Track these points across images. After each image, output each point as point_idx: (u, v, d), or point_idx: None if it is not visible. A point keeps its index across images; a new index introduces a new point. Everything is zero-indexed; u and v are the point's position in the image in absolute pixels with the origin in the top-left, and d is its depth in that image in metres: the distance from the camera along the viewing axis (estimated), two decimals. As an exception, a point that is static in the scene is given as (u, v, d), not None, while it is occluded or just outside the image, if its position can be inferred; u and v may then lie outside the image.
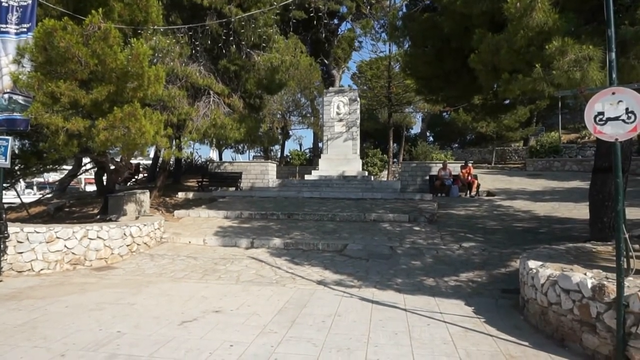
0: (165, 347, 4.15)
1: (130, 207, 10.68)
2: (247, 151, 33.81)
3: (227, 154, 34.01)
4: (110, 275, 7.43)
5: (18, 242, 7.44)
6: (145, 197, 11.16)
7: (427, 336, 4.55)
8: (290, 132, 30.29)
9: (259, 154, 31.79)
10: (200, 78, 12.50)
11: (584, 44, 4.56)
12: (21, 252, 7.43)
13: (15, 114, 7.41)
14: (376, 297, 6.03)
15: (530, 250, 6.62)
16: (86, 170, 20.38)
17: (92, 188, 33.94)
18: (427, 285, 6.71)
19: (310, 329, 4.73)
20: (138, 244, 8.90)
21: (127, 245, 8.64)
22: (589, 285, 4.05)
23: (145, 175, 23.47)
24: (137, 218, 10.42)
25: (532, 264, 5.11)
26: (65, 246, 7.76)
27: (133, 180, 22.40)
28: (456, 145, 37.85)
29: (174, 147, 10.02)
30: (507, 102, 12.81)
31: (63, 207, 14.27)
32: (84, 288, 6.52)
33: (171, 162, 24.05)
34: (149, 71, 7.55)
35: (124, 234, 8.56)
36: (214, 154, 32.65)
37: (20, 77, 6.93)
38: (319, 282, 6.86)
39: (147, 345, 4.17)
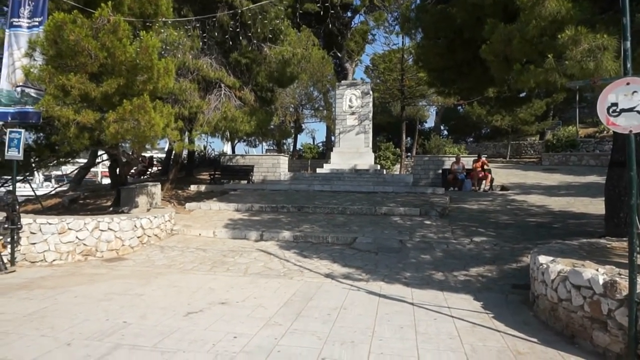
0: (170, 337, 4.17)
1: (142, 200, 10.77)
2: (261, 144, 33.96)
3: (240, 148, 34.17)
4: (120, 266, 7.50)
5: (31, 233, 7.56)
6: (156, 189, 11.24)
7: (433, 330, 4.49)
8: (303, 126, 30.28)
9: (271, 148, 31.85)
10: (211, 71, 12.53)
11: (598, 33, 4.41)
12: (34, 243, 7.55)
13: (27, 106, 7.49)
14: (384, 291, 5.98)
15: (543, 245, 6.50)
16: (100, 162, 20.64)
17: (108, 181, 34.41)
18: (436, 280, 6.63)
19: (316, 321, 4.70)
20: (149, 236, 8.98)
21: (138, 237, 8.71)
22: (601, 282, 3.94)
23: (159, 168, 23.70)
24: (148, 210, 10.50)
25: (543, 259, 5.00)
26: (76, 237, 7.86)
27: (147, 173, 22.62)
28: (471, 139, 37.39)
29: (185, 140, 10.04)
30: (522, 94, 12.59)
31: (77, 199, 14.49)
32: (94, 279, 6.60)
33: (184, 155, 24.28)
34: (158, 64, 7.57)
35: (135, 225, 8.64)
36: (227, 148, 32.85)
37: (31, 70, 7.00)
38: (327, 275, 6.83)
39: (151, 336, 4.19)
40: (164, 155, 25.64)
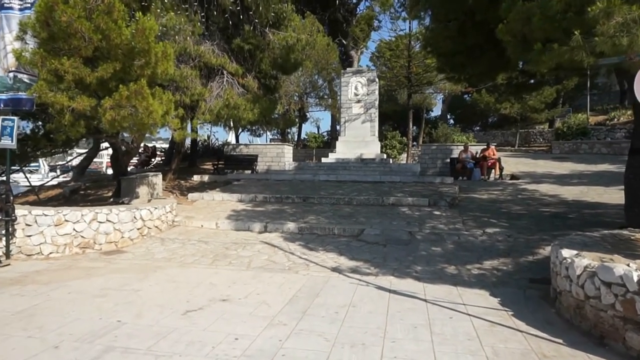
0: (166, 339, 3.87)
1: (142, 190, 10.48)
2: (265, 134, 33.56)
3: (245, 137, 33.85)
4: (118, 260, 7.22)
5: (27, 225, 7.28)
6: (157, 179, 10.94)
7: (450, 330, 4.16)
8: (308, 115, 29.85)
9: (276, 137, 31.48)
10: (213, 57, 12.14)
11: (634, 5, 4.00)
12: (30, 236, 7.27)
13: (20, 93, 7.17)
14: (394, 286, 5.66)
15: (560, 237, 6.15)
16: (105, 152, 20.33)
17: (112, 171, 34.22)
18: (449, 274, 6.30)
19: (322, 321, 4.39)
20: (149, 228, 8.69)
21: (138, 229, 8.42)
22: (635, 278, 3.59)
23: (163, 158, 23.40)
24: (149, 201, 10.21)
25: (567, 252, 4.65)
26: (74, 229, 7.57)
27: (151, 163, 22.34)
28: (478, 128, 36.81)
29: (187, 129, 9.70)
30: (532, 81, 12.14)
31: (78, 190, 14.23)
32: (91, 273, 6.32)
33: (187, 144, 23.98)
34: (155, 47, 7.21)
35: (134, 217, 8.35)
36: (232, 137, 32.50)
37: (23, 54, 6.67)
38: (334, 269, 6.51)
39: (146, 337, 3.89)
40: (167, 145, 25.32)
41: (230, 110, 11.21)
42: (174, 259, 7.21)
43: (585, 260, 4.26)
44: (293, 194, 11.93)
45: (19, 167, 12.00)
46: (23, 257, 7.19)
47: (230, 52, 13.15)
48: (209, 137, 29.29)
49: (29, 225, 7.28)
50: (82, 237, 7.66)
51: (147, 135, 10.16)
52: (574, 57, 4.56)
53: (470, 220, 9.25)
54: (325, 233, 8.74)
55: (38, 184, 22.05)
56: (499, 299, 5.21)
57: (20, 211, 7.26)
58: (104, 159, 56.67)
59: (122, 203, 10.19)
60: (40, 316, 4.46)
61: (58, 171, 45.27)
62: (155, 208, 8.87)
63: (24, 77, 7.18)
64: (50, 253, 7.36)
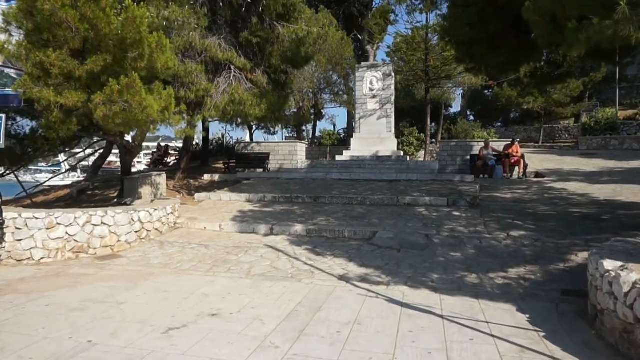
0: (136, 366, 3.33)
1: (145, 190, 10.05)
2: (281, 131, 33.06)
3: (260, 136, 33.45)
4: (112, 265, 6.76)
5: (17, 228, 6.87)
6: (161, 179, 10.50)
7: (470, 357, 3.52)
8: (323, 112, 29.23)
9: (291, 135, 30.97)
10: (220, 52, 11.62)
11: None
12: (20, 240, 6.86)
13: (7, 89, 6.76)
14: (407, 298, 5.03)
15: (595, 242, 5.44)
16: (111, 151, 20.06)
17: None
18: (469, 283, 5.63)
19: (322, 342, 3.80)
20: (148, 230, 8.22)
21: (136, 232, 7.96)
22: (703, 301, 2.90)
23: (177, 158, 23.10)
24: (152, 201, 9.77)
25: (610, 264, 3.95)
26: (66, 233, 7.14)
27: (164, 162, 22.06)
28: (499, 124, 35.61)
29: (188, 126, 9.22)
30: (558, 72, 11.28)
31: (86, 190, 13.93)
32: (78, 281, 5.85)
33: (198, 142, 23.61)
34: (149, 38, 6.70)
35: (132, 219, 7.88)
36: (248, 136, 32.06)
37: (5, 46, 6.23)
38: (341, 278, 5.91)
39: (114, 363, 3.37)
40: (182, 145, 25.01)
41: (236, 106, 10.68)
42: (170, 264, 6.71)
43: (634, 275, 3.57)
44: (303, 193, 11.35)
45: (11, 170, 11.63)
46: (13, 262, 6.79)
47: (238, 46, 12.63)
48: (223, 135, 28.97)
49: (19, 229, 6.87)
50: (75, 241, 7.23)
51: (148, 133, 9.72)
52: (619, 33, 3.86)
53: (492, 222, 8.52)
54: (334, 236, 8.14)
55: (59, 184, 22.02)
56: (527, 315, 4.53)
57: (9, 214, 6.86)
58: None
59: (125, 204, 9.78)
60: (7, 334, 3.98)
61: (79, 171, 45.66)
62: (155, 209, 8.40)
63: (11, 72, 6.79)
64: (42, 258, 6.94)
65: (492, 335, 3.97)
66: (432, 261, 6.60)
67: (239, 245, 7.69)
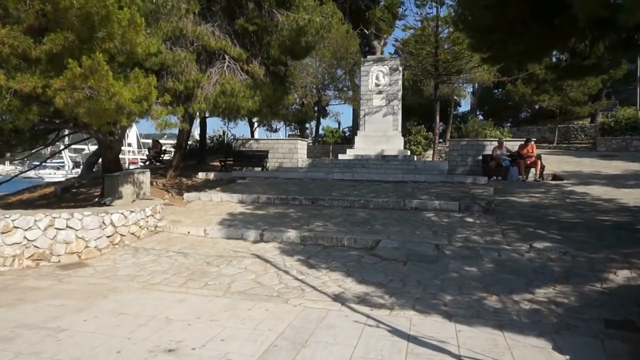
0: None
1: (126, 190, 9.15)
2: (285, 129, 32.11)
3: (263, 134, 32.54)
4: (73, 277, 5.85)
5: (-33, 232, 6.00)
6: (144, 177, 9.59)
7: None
8: (328, 109, 28.27)
9: (293, 133, 30.04)
10: (212, 40, 10.70)
11: None
12: (-30, 245, 5.99)
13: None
14: (415, 328, 4.08)
15: (636, 257, 4.48)
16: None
17: (132, 167, 33.40)
18: (490, 308, 4.67)
19: (301, 399, 2.86)
20: (122, 235, 7.31)
21: (108, 237, 7.05)
22: None
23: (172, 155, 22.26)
24: (133, 202, 8.88)
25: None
26: (25, 238, 6.25)
27: (161, 159, 21.22)
28: (508, 124, 34.45)
29: (172, 119, 8.30)
30: (585, 63, 10.21)
31: (71, 188, 13.10)
32: (25, 297, 4.95)
33: (195, 138, 22.73)
34: (118, 14, 5.77)
35: (103, 222, 6.98)
36: (256, 133, 31.05)
37: (-53, 20, 5.35)
38: (336, 298, 4.97)
39: None
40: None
41: (227, 98, 9.73)
42: (140, 277, 5.80)
43: None
44: (301, 194, 10.41)
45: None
46: (-40, 271, 5.91)
47: (234, 35, 11.70)
48: (224, 132, 28.08)
49: (-31, 232, 5.99)
50: (35, 247, 6.34)
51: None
52: None
53: (511, 231, 7.53)
54: (332, 244, 7.20)
55: (62, 180, 21.24)
56: (567, 357, 3.56)
57: (-43, 215, 5.98)
58: (126, 155, 56.53)
59: (104, 204, 8.91)
60: None
61: (82, 167, 44.95)
62: (132, 211, 7.49)
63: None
64: (-5, 267, 6.05)
65: (528, 390, 3.01)
66: (443, 277, 5.64)
67: (223, 254, 6.76)
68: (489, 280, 5.50)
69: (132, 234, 7.51)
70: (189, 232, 8.02)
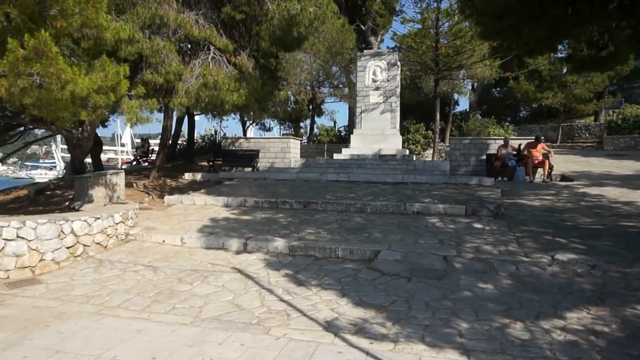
0: None
1: (98, 192, 8.25)
2: (279, 128, 31.18)
3: (256, 133, 31.64)
4: (19, 297, 4.96)
5: None
6: (118, 179, 8.69)
7: None
8: (323, 107, 27.37)
9: (288, 132, 29.15)
10: (195, 29, 9.80)
11: None
12: None
13: None
14: (426, 372, 3.21)
15: None
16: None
17: (125, 167, 32.36)
18: (516, 340, 3.80)
19: None
20: (86, 245, 6.41)
21: (68, 248, 6.15)
22: None
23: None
24: (105, 205, 7.98)
25: None
26: (-34, 251, 5.35)
27: (149, 158, 20.29)
28: (507, 123, 33.68)
29: (142, 113, 7.38)
30: (604, 53, 9.38)
31: (45, 190, 12.16)
32: (-52, 327, 4.05)
33: (185, 137, 21.78)
34: (71, -14, 4.87)
35: (62, 231, 6.07)
36: (249, 132, 30.10)
37: None
38: (328, 326, 4.09)
39: None
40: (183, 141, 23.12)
41: (210, 91, 8.83)
42: (97, 297, 4.90)
43: None
44: (292, 197, 9.52)
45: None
46: None
47: (221, 24, 10.81)
48: (216, 131, 27.17)
49: None
50: (-22, 261, 5.43)
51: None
52: None
53: (527, 239, 6.67)
54: (324, 255, 6.32)
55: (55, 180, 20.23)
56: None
57: None
58: (118, 155, 55.43)
59: (73, 209, 8.01)
60: None
61: (66, 167, 44.02)
62: (97, 218, 6.58)
63: None
64: None
65: None
66: (455, 297, 4.77)
67: (198, 268, 5.87)
68: (510, 301, 4.64)
69: (98, 243, 6.61)
70: (163, 241, 7.12)
